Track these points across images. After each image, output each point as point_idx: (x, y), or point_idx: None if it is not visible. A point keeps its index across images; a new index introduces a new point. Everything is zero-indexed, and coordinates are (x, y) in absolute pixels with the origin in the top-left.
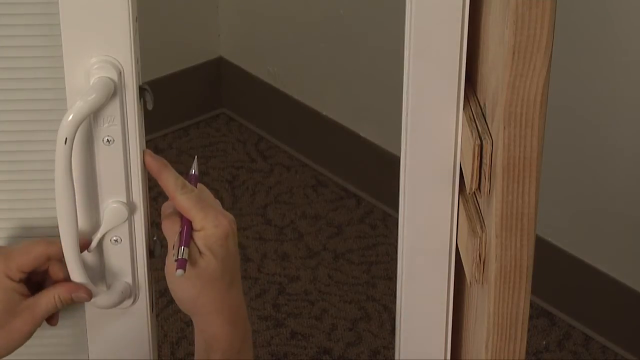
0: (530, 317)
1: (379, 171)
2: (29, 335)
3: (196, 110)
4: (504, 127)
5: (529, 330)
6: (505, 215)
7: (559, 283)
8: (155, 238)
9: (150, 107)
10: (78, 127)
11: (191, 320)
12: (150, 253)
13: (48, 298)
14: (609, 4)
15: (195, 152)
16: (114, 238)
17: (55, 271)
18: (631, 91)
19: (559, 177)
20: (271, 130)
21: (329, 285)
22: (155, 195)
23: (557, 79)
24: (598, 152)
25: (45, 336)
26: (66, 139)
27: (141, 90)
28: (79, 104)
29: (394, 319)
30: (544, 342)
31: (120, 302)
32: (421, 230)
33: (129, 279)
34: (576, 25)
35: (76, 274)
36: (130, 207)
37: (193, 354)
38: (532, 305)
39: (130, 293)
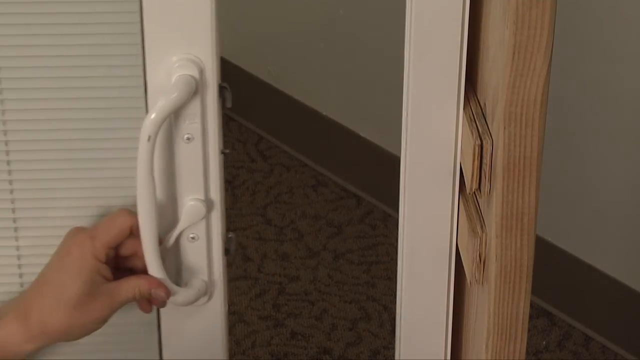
0: (530, 317)
1: (379, 171)
2: (104, 319)
3: None
4: (504, 127)
5: (529, 330)
6: (505, 215)
7: (559, 283)
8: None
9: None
10: (161, 125)
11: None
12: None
13: (129, 286)
14: (609, 4)
15: None
16: (191, 235)
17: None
18: (631, 91)
19: (559, 177)
20: (271, 130)
21: (329, 285)
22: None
23: (557, 79)
24: (598, 152)
25: (112, 333)
26: (149, 136)
27: (220, 88)
28: (162, 102)
29: (394, 319)
30: (544, 342)
31: (197, 299)
32: (421, 230)
33: (205, 277)
34: (576, 25)
35: (155, 270)
36: (208, 205)
37: None
38: (532, 305)
39: (206, 291)
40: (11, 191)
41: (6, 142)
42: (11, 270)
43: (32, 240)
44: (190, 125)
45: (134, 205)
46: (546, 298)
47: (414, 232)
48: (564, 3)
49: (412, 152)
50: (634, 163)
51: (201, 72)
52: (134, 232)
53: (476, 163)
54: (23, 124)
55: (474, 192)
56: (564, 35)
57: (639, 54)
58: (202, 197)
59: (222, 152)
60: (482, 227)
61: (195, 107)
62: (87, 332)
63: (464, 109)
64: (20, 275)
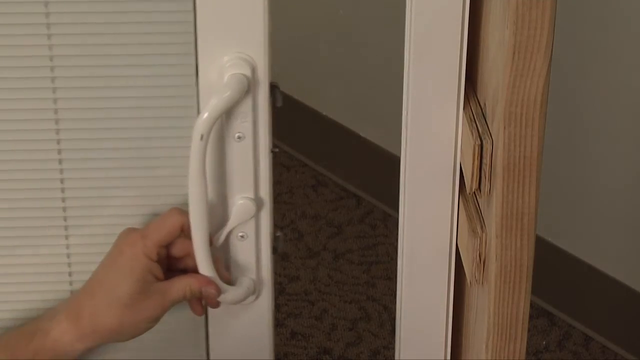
0: (530, 317)
1: (379, 171)
2: (156, 318)
3: None
4: (504, 127)
5: (529, 330)
6: (505, 215)
7: (559, 283)
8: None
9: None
10: (214, 124)
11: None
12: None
13: (181, 285)
14: (609, 4)
15: None
16: (241, 234)
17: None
18: (631, 91)
19: (559, 177)
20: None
21: (329, 285)
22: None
23: (557, 79)
24: (598, 152)
25: (160, 332)
26: (202, 135)
27: (271, 87)
28: (215, 101)
29: (394, 319)
30: (544, 342)
31: (245, 298)
32: (421, 230)
33: (254, 275)
34: (576, 25)
35: (205, 268)
36: (258, 203)
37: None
38: (532, 305)
39: (254, 289)
40: (62, 190)
41: (58, 141)
42: (61, 269)
43: (82, 239)
44: (241, 124)
45: (185, 204)
46: (546, 298)
47: (414, 232)
48: (564, 3)
49: (412, 152)
50: (634, 163)
51: (253, 70)
52: (184, 231)
53: (476, 163)
54: (75, 123)
55: (474, 192)
56: (564, 35)
57: (639, 54)
58: (252, 195)
59: (272, 151)
60: (482, 227)
61: (247, 105)
62: (139, 331)
63: (464, 109)
64: (70, 274)
